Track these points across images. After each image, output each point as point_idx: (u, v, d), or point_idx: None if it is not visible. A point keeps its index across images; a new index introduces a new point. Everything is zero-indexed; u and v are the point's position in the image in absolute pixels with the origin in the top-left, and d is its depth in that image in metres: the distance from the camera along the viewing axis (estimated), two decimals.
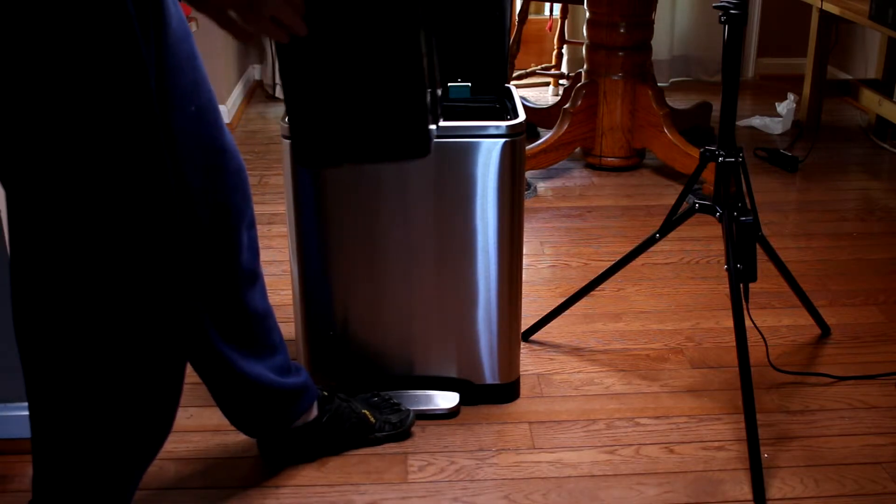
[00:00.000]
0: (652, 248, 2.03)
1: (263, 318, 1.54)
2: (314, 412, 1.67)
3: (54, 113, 1.12)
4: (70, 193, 1.16)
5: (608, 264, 2.08)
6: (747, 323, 1.75)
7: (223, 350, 1.48)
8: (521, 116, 1.71)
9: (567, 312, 2.12)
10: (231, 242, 1.43)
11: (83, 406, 1.26)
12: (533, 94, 4.15)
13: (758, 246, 1.85)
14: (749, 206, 1.86)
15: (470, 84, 1.82)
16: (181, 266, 1.26)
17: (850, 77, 4.03)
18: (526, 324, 2.08)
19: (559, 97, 3.76)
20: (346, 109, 1.28)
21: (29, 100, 1.11)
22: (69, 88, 1.11)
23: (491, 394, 1.86)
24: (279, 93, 4.03)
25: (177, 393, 1.35)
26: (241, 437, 1.74)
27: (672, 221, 1.98)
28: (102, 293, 1.21)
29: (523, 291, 1.86)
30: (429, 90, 1.29)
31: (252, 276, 1.50)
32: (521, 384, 1.91)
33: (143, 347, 1.26)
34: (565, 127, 3.09)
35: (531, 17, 4.23)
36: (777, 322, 2.18)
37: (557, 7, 4.17)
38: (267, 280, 1.57)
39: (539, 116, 3.50)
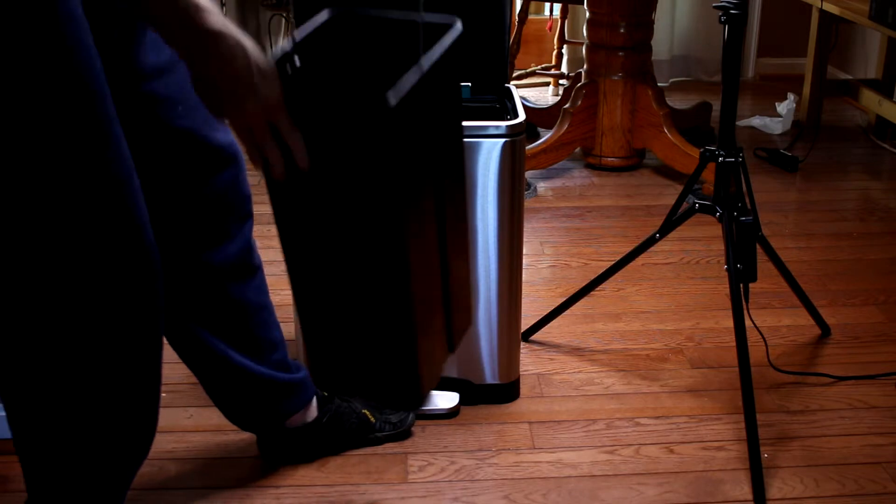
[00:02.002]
0: (652, 248, 2.03)
1: (257, 311, 1.53)
2: (314, 412, 1.67)
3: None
4: (27, 204, 1.13)
5: (608, 264, 2.08)
6: (747, 323, 1.75)
7: (212, 342, 1.48)
8: (521, 116, 1.71)
9: (567, 312, 2.12)
10: (218, 232, 1.42)
11: (63, 407, 1.25)
12: (533, 94, 4.15)
13: (758, 246, 1.85)
14: (749, 206, 1.86)
15: (470, 84, 1.82)
16: (154, 260, 1.24)
17: (850, 77, 4.03)
18: (526, 324, 2.08)
19: (559, 97, 3.76)
20: (348, 342, 1.22)
21: None
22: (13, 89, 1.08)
23: (491, 394, 1.86)
24: None
25: (156, 382, 1.32)
26: (241, 438, 1.74)
27: (672, 221, 1.98)
28: (75, 296, 1.18)
29: (523, 291, 1.86)
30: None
31: (244, 269, 1.49)
32: (521, 384, 1.91)
33: (119, 343, 1.24)
34: (565, 127, 3.09)
35: (531, 17, 4.23)
36: (777, 322, 2.18)
37: (557, 7, 4.17)
38: (267, 280, 1.57)
39: (539, 116, 3.50)
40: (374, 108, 1.00)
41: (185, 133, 1.32)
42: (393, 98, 0.99)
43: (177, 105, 1.30)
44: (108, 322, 1.21)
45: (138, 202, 1.20)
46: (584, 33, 3.16)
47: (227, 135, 1.42)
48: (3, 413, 1.69)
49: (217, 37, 1.01)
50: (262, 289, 1.54)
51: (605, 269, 2.06)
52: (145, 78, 1.26)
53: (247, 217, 1.48)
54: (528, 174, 3.10)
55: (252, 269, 1.51)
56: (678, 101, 3.79)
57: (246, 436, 1.74)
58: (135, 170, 1.19)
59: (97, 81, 1.12)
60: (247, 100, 1.04)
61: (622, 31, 3.03)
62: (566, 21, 4.12)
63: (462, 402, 1.84)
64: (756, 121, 3.67)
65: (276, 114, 1.06)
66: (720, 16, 1.81)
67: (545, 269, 2.47)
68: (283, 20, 3.95)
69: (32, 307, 1.18)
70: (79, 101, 1.11)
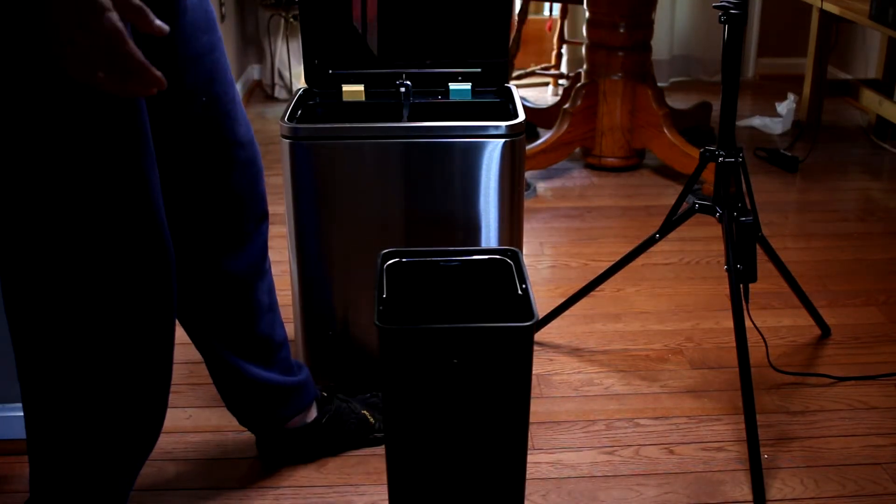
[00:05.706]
0: (652, 249, 2.03)
1: (266, 312, 1.53)
2: (313, 412, 1.67)
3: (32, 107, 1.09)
4: (48, 195, 1.13)
5: (608, 264, 2.07)
6: (747, 323, 1.75)
7: (221, 349, 1.48)
8: (521, 116, 1.71)
9: (567, 313, 2.12)
10: (235, 233, 1.42)
11: (76, 403, 1.25)
12: (533, 94, 4.15)
13: (758, 246, 1.85)
14: (749, 206, 1.86)
15: (470, 84, 1.82)
16: (167, 260, 1.24)
17: (850, 77, 4.03)
18: None
19: (559, 97, 3.76)
20: None
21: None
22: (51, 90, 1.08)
23: None
24: (278, 93, 4.03)
25: (167, 376, 1.33)
26: (241, 438, 1.74)
27: (672, 221, 1.97)
28: (90, 290, 1.19)
29: None
30: None
31: (259, 272, 1.49)
32: None
33: (132, 342, 1.25)
34: (565, 127, 3.09)
35: (531, 17, 4.23)
36: (777, 322, 2.18)
37: (557, 7, 4.17)
38: None
39: (539, 116, 3.50)
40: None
41: (207, 125, 1.31)
42: None
43: (200, 96, 1.29)
44: (122, 313, 1.22)
45: (156, 195, 1.20)
46: (584, 33, 3.16)
47: (249, 131, 1.41)
48: (4, 414, 1.69)
49: None
50: (272, 289, 1.54)
51: (604, 270, 2.06)
52: (178, 70, 1.26)
53: (263, 217, 1.48)
54: (528, 174, 3.10)
55: (265, 271, 1.51)
56: (678, 101, 3.79)
57: (245, 437, 1.73)
58: (155, 163, 1.19)
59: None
60: (96, 14, 0.94)
61: (622, 31, 3.03)
62: (566, 21, 4.12)
63: None
64: (756, 121, 3.67)
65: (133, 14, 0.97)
66: (720, 16, 1.81)
67: (545, 270, 2.47)
68: (283, 20, 3.94)
69: (48, 298, 1.19)
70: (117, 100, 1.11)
